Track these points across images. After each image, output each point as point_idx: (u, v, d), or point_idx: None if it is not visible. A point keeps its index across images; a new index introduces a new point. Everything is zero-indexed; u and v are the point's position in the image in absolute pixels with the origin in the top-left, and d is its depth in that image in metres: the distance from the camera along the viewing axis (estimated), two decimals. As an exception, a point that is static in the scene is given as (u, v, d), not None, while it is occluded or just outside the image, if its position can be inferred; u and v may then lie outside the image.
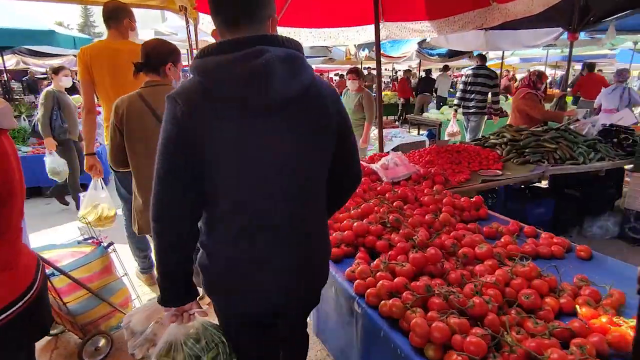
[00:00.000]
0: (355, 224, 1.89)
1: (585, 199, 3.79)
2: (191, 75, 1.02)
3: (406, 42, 11.45)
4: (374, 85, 11.57)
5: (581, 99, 8.73)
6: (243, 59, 0.95)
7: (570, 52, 5.17)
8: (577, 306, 1.35)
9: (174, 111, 0.98)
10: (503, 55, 9.21)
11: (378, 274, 1.48)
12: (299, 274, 1.19)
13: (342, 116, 1.18)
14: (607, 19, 4.95)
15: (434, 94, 11.48)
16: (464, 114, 6.14)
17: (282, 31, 4.52)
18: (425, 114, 8.68)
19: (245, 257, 1.11)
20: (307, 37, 4.95)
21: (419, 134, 9.49)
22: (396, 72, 19.94)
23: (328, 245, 1.32)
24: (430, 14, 4.43)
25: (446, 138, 5.91)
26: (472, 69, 6.13)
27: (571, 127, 4.07)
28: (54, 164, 4.07)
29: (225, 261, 1.12)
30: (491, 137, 3.89)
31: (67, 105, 4.30)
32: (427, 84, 11.89)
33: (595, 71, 8.82)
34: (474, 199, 2.35)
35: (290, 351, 1.52)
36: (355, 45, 11.18)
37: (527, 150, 3.38)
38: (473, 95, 5.90)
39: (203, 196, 1.07)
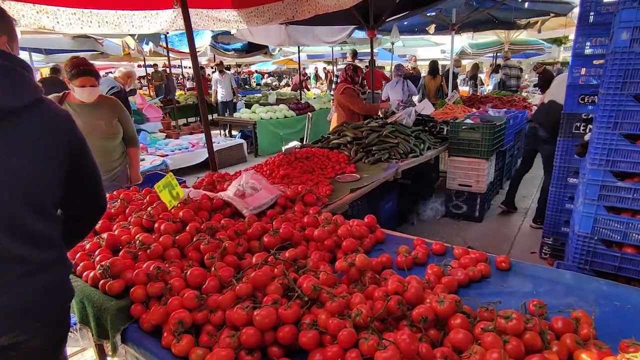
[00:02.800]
0: (257, 312, 1.15)
1: (415, 186, 4.09)
2: None
3: (199, 35, 10.53)
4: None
5: (367, 90, 10.15)
6: None
7: (372, 48, 5.61)
8: (584, 355, 1.08)
9: None
10: (299, 50, 9.60)
11: None
12: None
13: (76, 141, 1.21)
14: (391, 18, 5.58)
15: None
16: None
17: (30, 9, 3.02)
18: (236, 114, 8.12)
19: None
20: (69, 21, 3.49)
21: (230, 135, 8.91)
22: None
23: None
24: (237, 3, 3.86)
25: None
26: None
27: (392, 119, 4.33)
28: None
29: None
30: (331, 136, 3.69)
31: None
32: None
33: (376, 66, 10.34)
34: (366, 221, 1.96)
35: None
36: (135, 37, 9.46)
37: (374, 148, 3.29)
38: None
39: None
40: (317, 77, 20.28)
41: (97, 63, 13.65)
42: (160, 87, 14.81)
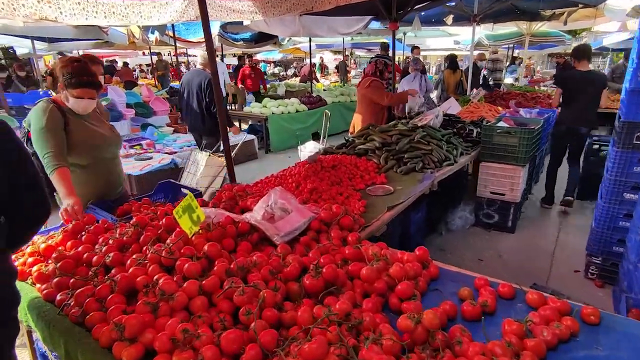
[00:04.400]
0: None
1: (445, 194, 3.80)
2: None
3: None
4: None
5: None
6: None
7: (394, 41, 5.26)
8: None
9: None
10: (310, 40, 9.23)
11: None
12: None
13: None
14: (415, 7, 5.21)
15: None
16: None
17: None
18: (247, 109, 7.80)
19: None
20: (73, 11, 3.19)
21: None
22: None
23: None
24: (254, -7, 3.56)
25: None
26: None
27: (418, 119, 4.03)
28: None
29: None
30: (357, 140, 3.39)
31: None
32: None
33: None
34: (418, 254, 1.69)
35: None
36: (140, 26, 9.11)
37: (405, 155, 3.00)
38: None
39: None
40: (322, 68, 19.78)
41: (101, 52, 13.32)
42: (164, 76, 14.48)
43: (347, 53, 17.27)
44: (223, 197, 2.32)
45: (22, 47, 11.09)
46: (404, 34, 10.95)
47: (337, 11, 6.28)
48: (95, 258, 1.61)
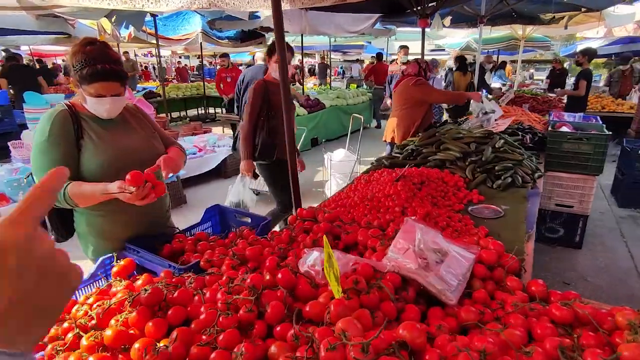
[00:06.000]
0: None
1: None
2: None
3: (186, 20, 9.33)
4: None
5: (375, 85, 9.50)
6: None
7: (423, 40, 4.86)
8: None
9: None
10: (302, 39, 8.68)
11: None
12: None
13: None
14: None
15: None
16: None
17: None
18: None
19: None
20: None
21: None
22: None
23: None
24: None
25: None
26: None
27: (467, 125, 3.63)
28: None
29: None
30: (424, 150, 2.90)
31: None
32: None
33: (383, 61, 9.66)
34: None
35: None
36: (112, 19, 8.11)
37: (496, 167, 2.55)
38: None
39: None
40: (301, 70, 19.24)
41: (63, 49, 11.95)
42: (132, 78, 13.33)
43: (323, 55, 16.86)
44: (318, 230, 1.74)
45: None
46: (395, 37, 10.68)
47: (344, 8, 5.83)
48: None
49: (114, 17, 7.47)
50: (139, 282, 1.42)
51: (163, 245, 1.77)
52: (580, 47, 12.78)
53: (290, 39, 15.17)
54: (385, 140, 4.33)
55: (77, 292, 1.47)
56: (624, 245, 3.54)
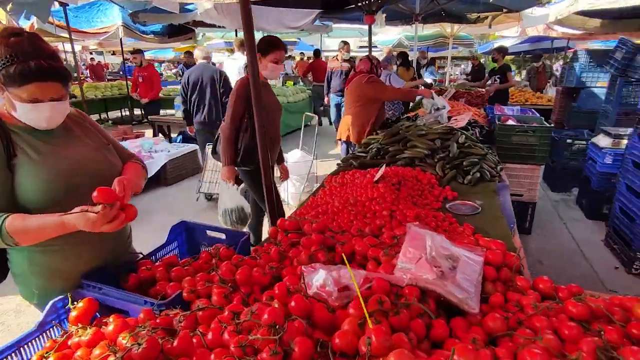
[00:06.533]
0: None
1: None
2: None
3: (101, 11, 8.43)
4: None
5: (313, 82, 9.49)
6: None
7: (370, 37, 4.88)
8: None
9: None
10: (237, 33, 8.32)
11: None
12: None
13: None
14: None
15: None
16: None
17: None
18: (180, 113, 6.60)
19: None
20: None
21: (169, 139, 7.26)
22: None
23: None
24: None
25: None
26: None
27: (422, 121, 3.73)
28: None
29: None
30: (391, 148, 2.89)
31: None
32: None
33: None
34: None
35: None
36: (8, 8, 7.01)
37: (464, 162, 2.61)
38: None
39: None
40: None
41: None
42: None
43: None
44: (315, 251, 1.59)
45: None
46: (328, 35, 10.74)
47: (284, 2, 5.67)
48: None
49: (10, 4, 6.44)
50: (110, 327, 1.17)
51: (128, 276, 1.50)
52: (495, 44, 14.04)
53: (219, 35, 14.57)
54: (339, 139, 4.28)
55: (20, 350, 1.17)
56: (564, 227, 3.91)
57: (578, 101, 5.86)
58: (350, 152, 4.18)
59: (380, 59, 5.31)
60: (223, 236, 1.86)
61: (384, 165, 2.29)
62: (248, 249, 1.78)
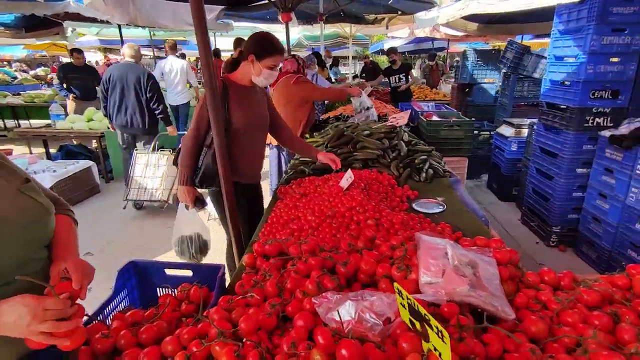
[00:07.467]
0: None
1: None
2: None
3: None
4: None
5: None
6: None
7: (288, 35, 4.72)
8: None
9: None
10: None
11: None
12: None
13: None
14: None
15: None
16: None
17: None
18: (61, 123, 5.56)
19: None
20: None
21: (47, 155, 6.05)
22: None
23: None
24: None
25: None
26: None
27: (354, 120, 3.78)
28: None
29: None
30: (339, 150, 2.81)
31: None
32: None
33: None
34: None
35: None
36: None
37: (416, 160, 2.67)
38: None
39: None
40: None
41: None
42: None
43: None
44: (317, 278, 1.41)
45: None
46: (220, 34, 10.27)
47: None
48: None
49: None
50: None
51: (77, 353, 1.13)
52: (385, 45, 15.16)
53: (94, 31, 12.83)
54: (269, 144, 4.07)
55: None
56: (485, 211, 4.33)
57: (472, 96, 6.59)
58: (283, 157, 4.00)
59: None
60: (189, 273, 1.55)
61: (349, 170, 2.19)
62: (224, 287, 1.52)
